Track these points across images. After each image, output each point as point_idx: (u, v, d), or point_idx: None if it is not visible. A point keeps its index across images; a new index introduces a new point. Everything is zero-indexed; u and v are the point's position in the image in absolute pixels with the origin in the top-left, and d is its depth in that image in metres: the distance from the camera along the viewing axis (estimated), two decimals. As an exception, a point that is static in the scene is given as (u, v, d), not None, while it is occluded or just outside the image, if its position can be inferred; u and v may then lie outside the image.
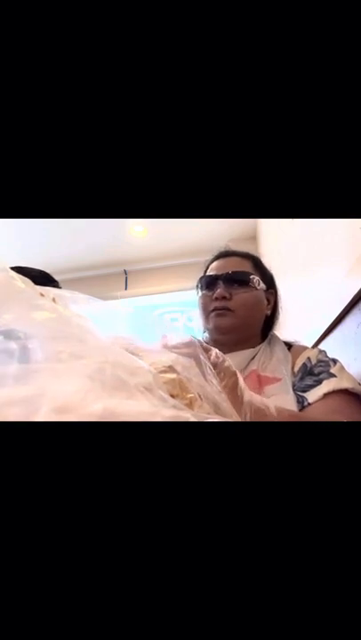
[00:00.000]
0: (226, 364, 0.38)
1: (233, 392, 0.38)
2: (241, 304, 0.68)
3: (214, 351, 0.39)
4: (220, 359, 0.38)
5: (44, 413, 0.19)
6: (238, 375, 0.40)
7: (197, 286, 0.76)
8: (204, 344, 0.39)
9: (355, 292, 0.73)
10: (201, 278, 0.75)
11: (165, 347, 0.34)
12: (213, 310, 0.69)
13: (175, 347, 0.34)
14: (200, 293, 0.74)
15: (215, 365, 0.37)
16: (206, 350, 0.38)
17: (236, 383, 0.39)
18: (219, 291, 0.69)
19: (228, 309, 0.68)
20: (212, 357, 0.38)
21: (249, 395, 0.40)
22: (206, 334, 0.74)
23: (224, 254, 0.77)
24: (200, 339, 0.40)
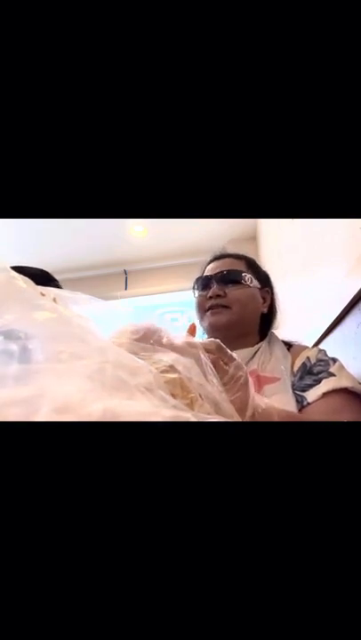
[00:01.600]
0: (242, 380, 0.38)
1: (241, 405, 0.37)
2: (235, 300, 0.70)
3: (235, 362, 0.39)
4: (239, 373, 0.38)
5: (44, 414, 0.19)
6: (250, 392, 0.39)
7: (193, 288, 0.78)
8: (228, 351, 0.39)
9: (355, 292, 0.73)
10: (197, 280, 0.78)
11: (187, 342, 0.34)
12: (209, 309, 0.71)
13: (200, 344, 0.35)
14: (196, 294, 0.77)
15: (231, 379, 0.37)
16: (229, 360, 0.38)
17: (247, 398, 0.38)
18: (213, 289, 0.71)
19: (224, 306, 0.70)
20: (230, 370, 0.38)
21: (257, 400, 0.40)
22: (205, 335, 0.75)
23: (218, 257, 0.79)
24: (223, 345, 0.39)
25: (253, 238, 2.53)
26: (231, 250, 0.82)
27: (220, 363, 0.37)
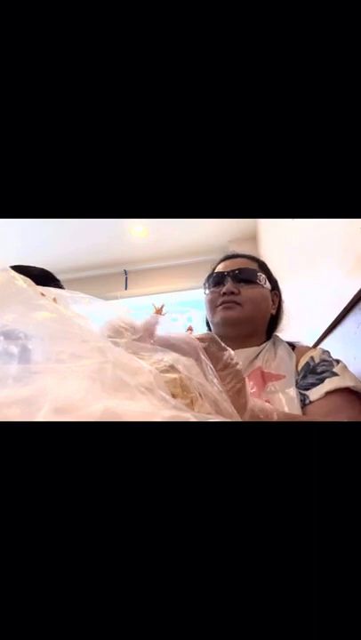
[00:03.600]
0: (238, 367, 0.38)
1: (237, 395, 0.37)
2: (248, 298, 0.70)
3: (229, 352, 0.39)
4: (233, 361, 0.38)
5: (44, 414, 0.19)
6: (246, 381, 0.39)
7: (205, 285, 0.77)
8: (222, 343, 0.39)
9: (355, 292, 0.73)
10: (209, 277, 0.76)
11: (166, 338, 0.34)
12: (221, 304, 0.70)
13: (181, 339, 0.34)
14: (207, 291, 0.76)
15: (226, 366, 0.37)
16: (222, 350, 0.38)
17: (242, 388, 0.38)
18: (227, 286, 0.71)
19: (237, 303, 0.69)
20: (224, 357, 0.37)
21: (253, 401, 0.40)
22: (212, 331, 0.75)
23: (230, 256, 0.79)
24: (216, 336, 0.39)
25: (253, 238, 2.53)
26: (238, 250, 0.82)
27: (213, 350, 0.37)
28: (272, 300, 0.76)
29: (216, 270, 0.76)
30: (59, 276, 0.97)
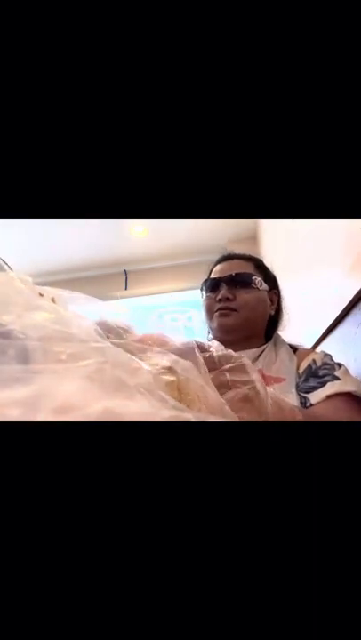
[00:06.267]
0: (237, 359, 0.35)
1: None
2: (244, 304, 0.70)
3: (215, 344, 0.37)
4: (225, 352, 0.36)
5: (43, 414, 0.18)
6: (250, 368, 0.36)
7: (201, 289, 0.78)
8: (202, 343, 0.38)
9: (355, 292, 0.73)
10: (205, 281, 0.77)
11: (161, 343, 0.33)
12: (218, 311, 0.71)
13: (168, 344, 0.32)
14: (204, 296, 0.77)
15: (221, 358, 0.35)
16: (204, 349, 0.37)
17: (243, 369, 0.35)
18: (222, 292, 0.71)
19: (232, 309, 0.70)
20: (213, 348, 0.35)
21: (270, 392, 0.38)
22: (210, 335, 0.76)
23: (226, 257, 0.79)
24: (197, 340, 0.38)
25: (253, 238, 2.53)
26: (238, 250, 0.82)
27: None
28: (270, 300, 0.76)
29: (212, 275, 0.77)
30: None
